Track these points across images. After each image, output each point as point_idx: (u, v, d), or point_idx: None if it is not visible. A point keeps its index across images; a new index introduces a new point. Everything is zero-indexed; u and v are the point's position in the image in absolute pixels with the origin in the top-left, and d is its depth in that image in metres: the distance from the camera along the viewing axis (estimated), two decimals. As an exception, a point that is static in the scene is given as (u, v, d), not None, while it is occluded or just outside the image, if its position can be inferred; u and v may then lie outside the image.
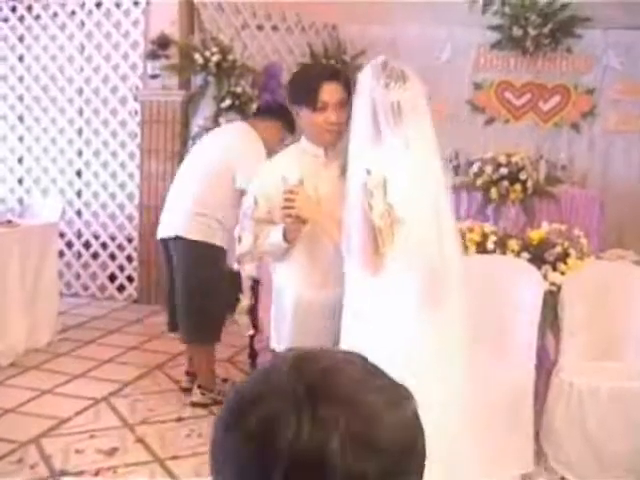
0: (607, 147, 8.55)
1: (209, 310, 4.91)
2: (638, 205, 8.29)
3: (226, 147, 4.93)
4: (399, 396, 0.97)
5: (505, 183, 6.98)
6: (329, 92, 3.16)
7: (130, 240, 7.88)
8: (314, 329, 3.21)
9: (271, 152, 4.59)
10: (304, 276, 3.25)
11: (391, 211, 2.70)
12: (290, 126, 4.85)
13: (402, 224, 2.73)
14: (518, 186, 6.99)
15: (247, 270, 3.50)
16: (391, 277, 2.79)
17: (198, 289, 4.87)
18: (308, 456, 0.87)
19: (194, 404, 5.04)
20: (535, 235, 4.79)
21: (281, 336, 3.34)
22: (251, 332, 5.30)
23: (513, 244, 4.74)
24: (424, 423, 1.00)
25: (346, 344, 2.91)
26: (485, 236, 4.80)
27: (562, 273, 4.62)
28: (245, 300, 4.74)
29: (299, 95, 3.25)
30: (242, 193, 4.50)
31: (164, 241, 5.08)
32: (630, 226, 8.03)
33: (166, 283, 5.28)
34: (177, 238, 4.92)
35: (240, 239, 3.38)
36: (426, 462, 0.97)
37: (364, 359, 1.02)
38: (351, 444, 0.87)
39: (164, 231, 5.06)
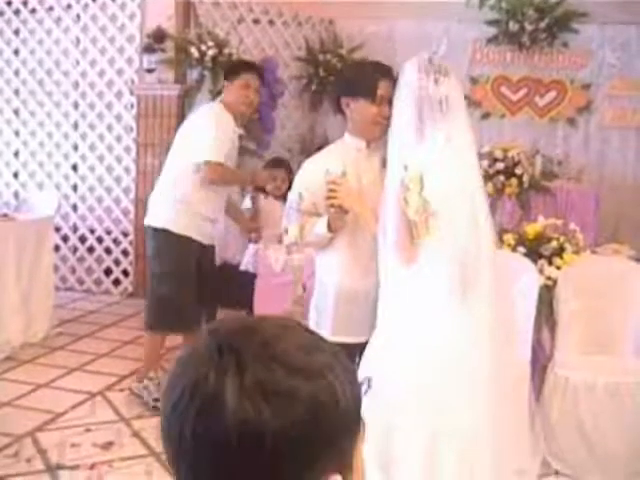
0: (603, 142, 8.54)
1: (162, 298, 4.89)
2: (633, 200, 8.31)
3: (184, 128, 5.12)
4: (312, 363, 0.96)
5: (501, 178, 6.97)
6: (385, 88, 3.29)
7: (126, 234, 7.88)
8: (356, 317, 3.33)
9: (249, 109, 5.04)
10: (346, 265, 3.37)
11: (427, 206, 2.81)
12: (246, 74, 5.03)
13: (438, 217, 2.83)
14: (514, 181, 6.99)
15: (296, 260, 3.59)
16: (423, 267, 2.89)
17: (156, 276, 4.96)
18: (209, 401, 0.90)
19: (130, 392, 5.10)
20: (531, 229, 4.80)
21: (322, 324, 3.41)
22: None
23: (509, 238, 4.75)
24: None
25: (381, 333, 3.04)
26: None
27: (558, 267, 4.63)
28: (299, 290, 4.71)
29: (357, 87, 3.36)
30: (203, 171, 4.76)
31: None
32: (625, 221, 8.04)
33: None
34: (147, 227, 5.03)
35: (287, 230, 3.47)
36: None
37: (299, 325, 1.03)
38: (251, 392, 0.90)
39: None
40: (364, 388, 3.12)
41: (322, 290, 3.48)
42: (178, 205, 4.85)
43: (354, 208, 3.21)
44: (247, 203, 6.24)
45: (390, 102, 3.17)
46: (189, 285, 4.91)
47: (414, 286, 2.94)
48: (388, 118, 3.16)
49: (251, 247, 5.69)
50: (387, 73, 3.31)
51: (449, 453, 2.90)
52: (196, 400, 0.92)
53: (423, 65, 2.92)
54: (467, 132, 2.97)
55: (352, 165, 3.33)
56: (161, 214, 4.90)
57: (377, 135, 3.38)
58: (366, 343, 3.13)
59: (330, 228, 3.29)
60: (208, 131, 4.79)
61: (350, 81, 3.42)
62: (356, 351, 3.18)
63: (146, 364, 5.08)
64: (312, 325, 3.49)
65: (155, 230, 4.91)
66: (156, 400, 4.84)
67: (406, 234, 2.87)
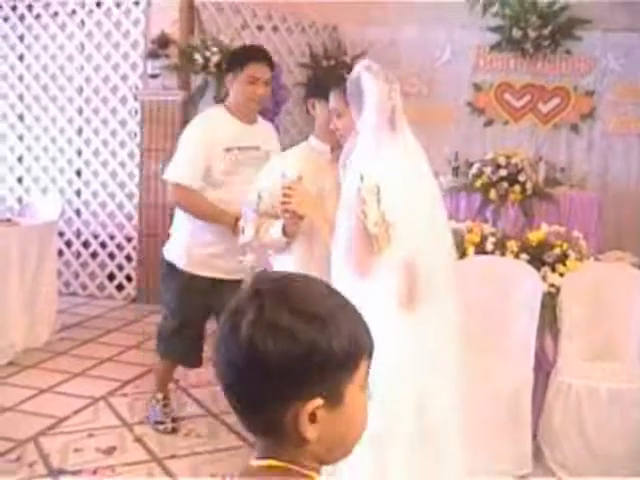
0: (606, 149, 8.56)
1: (164, 328, 4.68)
2: (637, 207, 8.31)
3: None
4: (318, 309, 1.17)
5: (504, 184, 7.01)
6: (335, 98, 3.22)
7: (129, 239, 7.88)
8: None
9: (257, 106, 4.33)
10: (301, 270, 3.20)
11: (385, 217, 2.74)
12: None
13: (395, 228, 2.76)
14: (517, 187, 7.02)
15: (248, 260, 3.57)
16: (376, 279, 2.80)
17: (162, 303, 4.82)
18: (232, 328, 1.16)
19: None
20: (534, 236, 4.80)
21: None
22: None
23: (512, 245, 4.75)
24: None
25: None
26: (484, 237, 4.81)
27: (561, 274, 4.63)
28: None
29: (321, 89, 3.33)
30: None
31: None
32: (628, 228, 8.05)
33: None
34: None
35: (243, 230, 3.46)
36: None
37: (321, 281, 1.27)
38: (261, 326, 1.13)
39: None
40: None
41: None
42: (185, 237, 4.46)
43: (310, 215, 3.16)
44: None
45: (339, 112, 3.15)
46: (189, 323, 4.53)
47: (365, 298, 2.83)
48: (338, 129, 3.15)
49: None
50: (340, 81, 3.13)
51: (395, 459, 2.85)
52: (226, 325, 1.17)
53: (380, 73, 2.87)
54: (416, 143, 2.93)
55: (312, 169, 3.28)
56: (169, 245, 4.57)
57: (334, 142, 3.30)
58: None
59: (285, 233, 3.26)
60: (180, 145, 4.36)
61: (315, 82, 3.38)
62: None
63: (156, 385, 4.87)
64: None
65: (163, 259, 4.62)
66: (157, 423, 4.68)
67: (363, 247, 2.78)
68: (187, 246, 4.40)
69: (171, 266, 4.47)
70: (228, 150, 4.22)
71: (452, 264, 3.00)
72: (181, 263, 4.42)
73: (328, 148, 3.36)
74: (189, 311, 4.48)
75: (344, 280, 2.86)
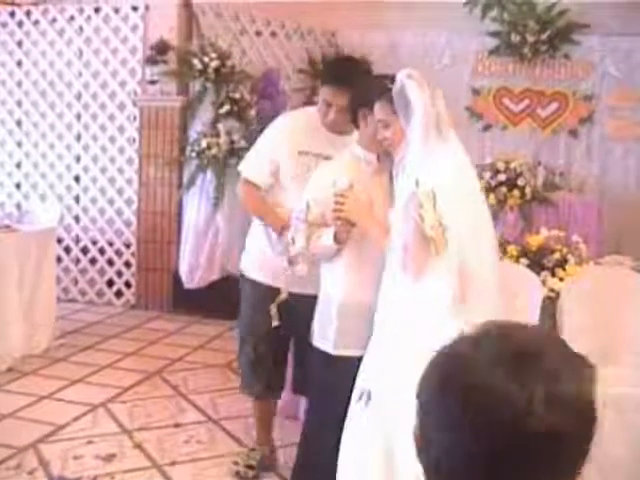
0: (605, 154, 8.55)
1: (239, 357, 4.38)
2: (636, 211, 8.29)
3: None
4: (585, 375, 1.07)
5: (503, 189, 7.01)
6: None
7: (128, 246, 7.88)
8: (359, 331, 3.28)
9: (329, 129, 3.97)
10: (352, 278, 3.36)
11: (441, 220, 2.82)
12: None
13: (450, 231, 2.85)
14: (516, 192, 7.02)
15: (299, 270, 3.55)
16: (429, 281, 2.89)
17: None
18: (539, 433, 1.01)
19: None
20: (534, 241, 4.80)
21: (325, 334, 3.42)
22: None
23: (512, 250, 4.74)
24: None
25: (380, 345, 3.05)
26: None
27: (561, 279, 4.62)
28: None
29: (372, 100, 3.24)
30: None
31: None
32: (628, 232, 8.03)
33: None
34: None
35: (293, 240, 3.46)
36: None
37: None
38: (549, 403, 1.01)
39: None
40: (364, 400, 3.10)
41: (326, 302, 3.46)
42: (259, 243, 4.21)
43: (361, 221, 3.21)
44: None
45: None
46: (261, 341, 4.12)
47: (421, 299, 2.94)
48: (386, 139, 3.18)
49: None
50: (385, 91, 3.13)
51: None
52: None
53: (422, 81, 2.98)
54: (460, 145, 3.08)
55: (360, 178, 3.32)
56: (243, 255, 4.34)
57: (382, 151, 3.33)
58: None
59: (337, 240, 3.29)
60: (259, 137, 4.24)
61: (371, 92, 3.30)
62: (357, 365, 3.17)
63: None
64: (315, 337, 3.50)
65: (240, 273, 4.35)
66: (248, 467, 4.24)
67: (420, 249, 2.87)
68: (263, 253, 4.15)
69: (242, 276, 4.26)
70: (301, 154, 3.99)
71: (496, 265, 3.11)
72: (256, 273, 4.18)
73: (375, 157, 3.38)
74: (260, 323, 4.07)
75: (399, 284, 2.97)
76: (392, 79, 3.07)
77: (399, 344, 2.98)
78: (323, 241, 3.34)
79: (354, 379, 3.10)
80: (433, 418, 1.07)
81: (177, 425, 4.84)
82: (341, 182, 3.24)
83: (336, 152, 3.80)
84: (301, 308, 3.85)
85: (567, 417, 1.02)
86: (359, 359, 3.18)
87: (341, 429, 3.11)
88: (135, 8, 7.68)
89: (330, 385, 3.41)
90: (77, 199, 8.11)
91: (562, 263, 4.70)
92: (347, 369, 3.23)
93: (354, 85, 3.67)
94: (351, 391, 3.10)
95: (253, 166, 4.13)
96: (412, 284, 2.92)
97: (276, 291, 4.03)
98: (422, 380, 1.12)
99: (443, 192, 2.86)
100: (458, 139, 3.09)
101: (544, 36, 8.24)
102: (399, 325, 2.99)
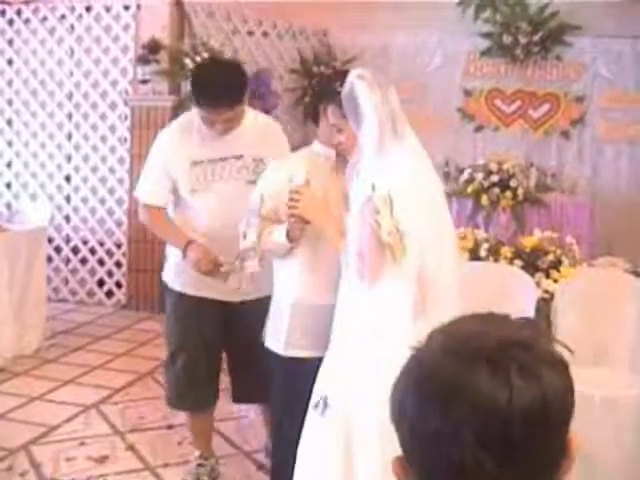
0: (596, 155, 8.57)
1: (165, 371, 4.28)
2: (627, 213, 8.32)
3: None
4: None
5: (496, 190, 7.01)
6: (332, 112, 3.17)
7: (119, 246, 7.84)
8: (311, 331, 3.23)
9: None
10: (305, 277, 3.26)
11: (398, 226, 2.73)
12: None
13: (408, 236, 2.75)
14: (509, 193, 7.03)
15: (249, 267, 3.50)
16: (386, 287, 2.80)
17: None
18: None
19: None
20: (528, 242, 4.80)
21: (277, 335, 3.35)
22: None
23: (506, 251, 4.75)
24: None
25: (337, 351, 2.94)
26: (478, 243, 4.80)
27: (555, 280, 4.63)
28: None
29: (332, 93, 3.15)
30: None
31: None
32: (619, 234, 8.04)
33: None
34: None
35: (244, 235, 3.35)
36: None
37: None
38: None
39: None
40: (321, 407, 3.04)
41: (278, 302, 3.39)
42: (174, 251, 3.99)
43: (316, 220, 3.11)
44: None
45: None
46: (192, 356, 3.97)
47: (376, 306, 2.85)
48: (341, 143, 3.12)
49: None
50: (335, 95, 3.05)
51: None
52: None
53: (372, 80, 2.85)
54: (418, 144, 2.94)
55: (319, 174, 3.23)
56: (165, 265, 4.18)
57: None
58: (320, 359, 3.04)
59: (289, 237, 3.19)
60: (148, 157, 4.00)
61: (327, 86, 3.29)
62: (309, 367, 3.08)
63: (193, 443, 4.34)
64: (267, 336, 3.42)
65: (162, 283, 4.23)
66: None
67: (376, 256, 2.77)
68: (178, 262, 3.95)
69: (165, 287, 4.12)
70: (195, 164, 3.79)
71: (457, 270, 3.01)
72: (174, 282, 4.04)
73: (333, 153, 3.27)
74: (188, 337, 3.94)
75: (354, 289, 2.88)
76: (343, 81, 2.94)
77: (358, 350, 2.89)
78: (275, 237, 3.23)
79: (308, 381, 2.99)
80: (418, 429, 1.05)
81: (170, 427, 4.81)
82: (297, 178, 3.17)
83: (229, 149, 3.76)
84: (239, 316, 3.89)
85: (548, 379, 1.04)
86: (310, 361, 3.12)
87: (300, 430, 3.02)
88: (127, 7, 7.64)
89: (285, 387, 3.35)
90: (68, 199, 8.07)
91: (556, 264, 4.71)
92: (300, 370, 3.18)
93: (228, 103, 3.62)
94: (306, 392, 2.99)
95: (149, 188, 3.90)
96: (368, 290, 2.82)
97: (204, 301, 3.90)
98: (399, 391, 1.11)
99: (400, 196, 2.75)
100: (415, 137, 2.95)
101: (536, 37, 8.25)
102: (357, 331, 2.89)
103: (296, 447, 3.00)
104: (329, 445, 2.88)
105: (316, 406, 2.91)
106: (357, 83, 2.84)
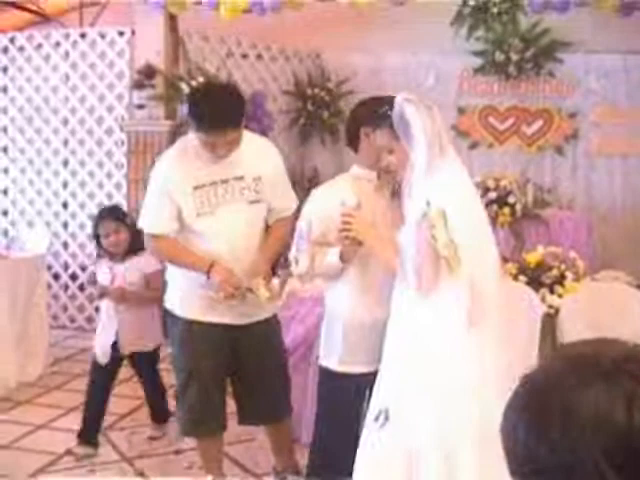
0: (590, 170, 8.62)
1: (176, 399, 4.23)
2: (622, 226, 8.37)
3: None
4: None
5: (494, 207, 7.03)
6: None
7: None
8: (364, 347, 3.37)
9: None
10: (357, 297, 3.41)
11: (453, 239, 2.87)
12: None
13: (462, 249, 2.90)
14: (507, 210, 7.05)
15: (306, 289, 3.74)
16: (444, 297, 2.95)
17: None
18: None
19: None
20: (532, 258, 4.81)
21: (331, 354, 3.49)
22: None
23: (510, 268, 4.75)
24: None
25: (393, 363, 3.08)
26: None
27: (559, 296, 4.64)
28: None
29: (381, 117, 3.21)
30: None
31: None
32: (616, 248, 8.08)
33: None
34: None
35: (297, 261, 3.45)
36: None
37: None
38: None
39: None
40: (381, 420, 3.11)
41: (331, 320, 3.52)
42: (181, 278, 4.01)
43: (369, 241, 3.22)
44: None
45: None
46: (206, 382, 3.96)
47: (432, 319, 2.99)
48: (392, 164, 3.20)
49: None
50: (385, 118, 3.14)
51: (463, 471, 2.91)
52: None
53: (419, 102, 3.01)
54: (459, 159, 3.15)
55: (364, 197, 3.34)
56: (167, 291, 4.16)
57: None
58: (372, 374, 3.15)
59: (343, 259, 3.31)
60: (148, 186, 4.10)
61: (374, 112, 3.34)
62: (362, 381, 3.23)
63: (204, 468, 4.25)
64: (320, 354, 3.58)
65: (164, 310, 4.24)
66: None
67: (434, 270, 2.92)
68: (184, 289, 3.97)
69: (171, 315, 4.07)
70: (197, 188, 3.80)
71: (499, 288, 3.14)
72: (180, 309, 4.01)
73: (374, 175, 3.42)
74: (200, 364, 3.92)
75: (411, 301, 3.02)
76: (389, 103, 3.09)
77: (415, 362, 3.01)
78: (328, 260, 3.35)
79: (361, 396, 3.16)
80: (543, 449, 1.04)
81: (177, 452, 4.79)
82: (349, 201, 3.27)
83: (229, 170, 3.79)
84: (246, 338, 3.94)
85: None
86: (363, 376, 3.27)
87: (351, 446, 3.10)
88: (121, 33, 7.66)
89: (336, 403, 3.45)
90: (65, 225, 8.05)
91: (560, 280, 4.72)
92: (349, 386, 3.33)
93: (233, 124, 3.66)
94: (358, 408, 3.13)
95: (153, 218, 3.89)
96: (425, 303, 2.97)
97: (212, 327, 3.89)
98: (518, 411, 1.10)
99: (453, 211, 2.91)
100: (456, 155, 3.14)
101: (528, 54, 8.31)
102: (414, 344, 3.02)
103: (339, 462, 3.17)
104: (390, 459, 2.98)
105: (376, 419, 3.01)
106: (406, 105, 2.99)
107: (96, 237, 4.89)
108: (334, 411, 3.47)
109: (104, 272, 4.88)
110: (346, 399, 3.35)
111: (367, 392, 3.17)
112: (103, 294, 4.85)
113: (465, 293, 2.93)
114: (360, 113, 3.51)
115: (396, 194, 3.34)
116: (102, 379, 4.96)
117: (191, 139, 3.86)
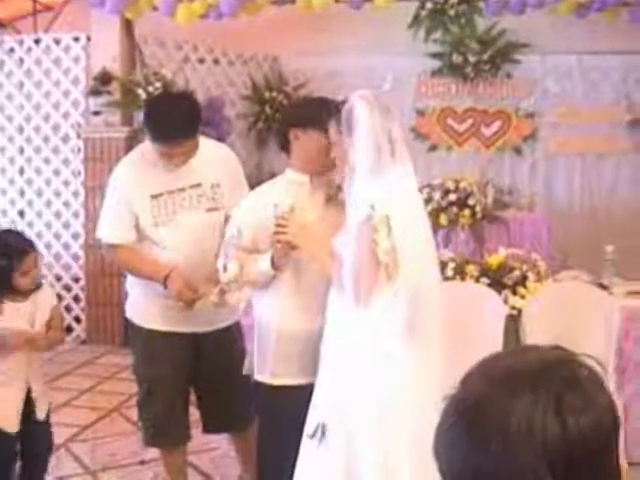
0: (549, 170, 8.68)
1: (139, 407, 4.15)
2: (581, 226, 8.43)
3: None
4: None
5: (454, 209, 7.02)
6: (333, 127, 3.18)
7: (77, 280, 7.72)
8: (297, 359, 3.22)
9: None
10: (289, 305, 3.25)
11: (395, 245, 2.78)
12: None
13: (404, 256, 2.81)
14: (467, 211, 7.04)
15: (233, 300, 3.52)
16: (380, 308, 2.83)
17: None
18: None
19: None
20: (494, 260, 4.80)
21: (264, 367, 3.32)
22: None
23: (472, 270, 4.74)
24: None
25: (330, 377, 2.95)
26: (444, 263, 4.80)
27: (522, 297, 4.64)
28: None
29: (308, 118, 3.23)
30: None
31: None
32: (574, 246, 8.12)
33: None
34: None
35: (225, 268, 3.31)
36: None
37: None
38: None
39: None
40: (319, 435, 3.02)
41: (262, 331, 3.36)
42: (140, 288, 3.95)
43: (304, 244, 3.12)
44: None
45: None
46: (169, 392, 3.89)
47: (369, 328, 2.88)
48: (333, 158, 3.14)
49: None
50: (335, 110, 3.09)
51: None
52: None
53: (374, 102, 2.91)
54: (411, 167, 3.00)
55: (298, 201, 3.23)
56: (128, 301, 4.11)
57: (322, 170, 3.28)
58: (310, 385, 3.04)
59: (274, 265, 3.18)
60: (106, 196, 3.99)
61: (301, 113, 3.32)
62: (296, 394, 3.10)
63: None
64: (254, 367, 3.39)
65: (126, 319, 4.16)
66: None
67: (371, 275, 2.81)
68: (144, 298, 3.92)
69: (131, 324, 4.01)
70: (154, 197, 3.74)
71: (440, 297, 3.04)
72: (140, 319, 3.95)
73: (307, 178, 3.30)
74: (162, 374, 3.84)
75: (345, 311, 2.91)
76: (321, 104, 3.11)
77: (352, 375, 2.90)
78: (259, 267, 3.22)
79: (299, 408, 2.99)
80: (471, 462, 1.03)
81: (142, 462, 4.71)
82: (282, 205, 3.16)
83: (186, 179, 3.74)
84: (208, 346, 3.87)
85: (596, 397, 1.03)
86: (298, 389, 3.13)
87: (292, 460, 3.00)
88: (76, 38, 7.57)
89: (272, 417, 3.32)
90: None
91: (522, 281, 4.72)
92: (288, 398, 3.18)
93: (189, 134, 3.64)
94: (296, 421, 2.98)
95: (111, 228, 3.82)
96: (361, 312, 2.85)
97: (173, 335, 3.82)
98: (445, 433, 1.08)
99: (398, 217, 2.82)
100: (410, 161, 3.01)
101: (485, 56, 8.35)
102: (350, 356, 2.90)
103: (284, 477, 2.98)
104: (330, 474, 2.87)
105: (313, 435, 2.89)
106: (358, 102, 2.89)
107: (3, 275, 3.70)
108: (273, 426, 3.32)
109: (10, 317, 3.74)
110: (284, 413, 3.19)
111: (305, 405, 3.02)
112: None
113: (403, 302, 2.83)
114: (288, 115, 3.47)
115: (331, 199, 3.26)
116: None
117: (147, 146, 3.81)
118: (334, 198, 3.24)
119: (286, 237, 3.11)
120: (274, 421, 3.30)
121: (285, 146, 3.37)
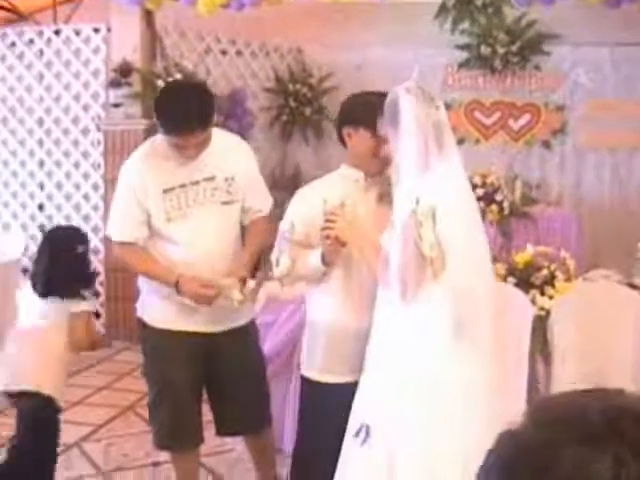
0: (579, 165, 8.48)
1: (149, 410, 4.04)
2: (611, 221, 8.23)
3: None
4: None
5: (481, 204, 6.86)
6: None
7: (96, 275, 7.62)
8: (346, 356, 3.19)
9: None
10: (340, 301, 3.22)
11: (440, 241, 2.70)
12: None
13: (453, 255, 2.73)
14: (494, 207, 6.88)
15: (287, 293, 3.53)
16: (428, 305, 2.77)
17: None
18: None
19: None
20: (521, 259, 4.64)
21: (313, 363, 3.32)
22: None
23: (499, 268, 4.58)
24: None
25: (375, 375, 2.91)
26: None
27: (550, 297, 4.48)
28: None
29: (359, 117, 3.18)
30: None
31: None
32: (605, 243, 7.94)
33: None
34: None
35: (277, 262, 3.26)
36: None
37: None
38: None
39: None
40: (362, 436, 2.94)
41: (312, 327, 3.35)
42: (154, 285, 3.77)
43: (353, 240, 3.05)
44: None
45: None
46: (182, 393, 3.76)
47: (416, 328, 2.80)
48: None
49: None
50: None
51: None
52: None
53: (419, 93, 2.83)
54: (458, 157, 2.90)
55: (350, 197, 3.16)
56: (140, 299, 3.92)
57: (375, 169, 3.21)
58: (353, 383, 3.00)
59: (324, 261, 3.13)
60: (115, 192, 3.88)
61: (355, 111, 3.23)
62: (345, 392, 3.02)
63: None
64: (302, 363, 3.40)
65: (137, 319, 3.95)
66: None
67: (417, 270, 2.73)
68: (157, 296, 3.75)
69: (143, 324, 3.84)
70: (167, 191, 3.62)
71: (492, 298, 2.95)
72: (152, 318, 3.80)
73: (362, 175, 3.24)
74: (174, 375, 3.71)
75: (395, 309, 2.83)
76: (372, 99, 3.01)
77: (397, 376, 2.84)
78: (310, 262, 3.18)
79: (342, 406, 2.95)
80: None
81: (155, 464, 4.61)
82: (332, 200, 3.09)
83: (199, 172, 3.62)
84: (221, 346, 3.75)
85: None
86: (344, 386, 3.08)
87: (333, 458, 2.96)
88: (97, 29, 7.46)
89: (318, 414, 3.29)
90: (42, 228, 7.84)
91: (550, 280, 4.56)
92: (334, 396, 3.14)
93: (201, 125, 3.49)
94: (341, 419, 2.94)
95: (120, 225, 3.71)
96: (408, 309, 2.78)
97: (187, 335, 3.69)
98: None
99: (445, 212, 2.73)
100: (459, 154, 2.92)
101: (514, 47, 8.16)
102: (396, 356, 2.85)
103: (320, 476, 3.01)
104: (372, 474, 2.83)
105: (357, 434, 2.86)
106: (402, 94, 2.82)
107: (90, 277, 3.99)
108: (316, 422, 3.31)
109: None
110: (328, 410, 3.17)
111: (348, 403, 3.00)
112: None
113: (450, 300, 2.75)
114: (342, 112, 3.36)
115: (384, 196, 3.17)
116: None
117: (159, 139, 3.68)
118: (387, 195, 3.14)
119: (334, 232, 3.04)
120: (318, 417, 3.30)
121: (343, 141, 3.31)
